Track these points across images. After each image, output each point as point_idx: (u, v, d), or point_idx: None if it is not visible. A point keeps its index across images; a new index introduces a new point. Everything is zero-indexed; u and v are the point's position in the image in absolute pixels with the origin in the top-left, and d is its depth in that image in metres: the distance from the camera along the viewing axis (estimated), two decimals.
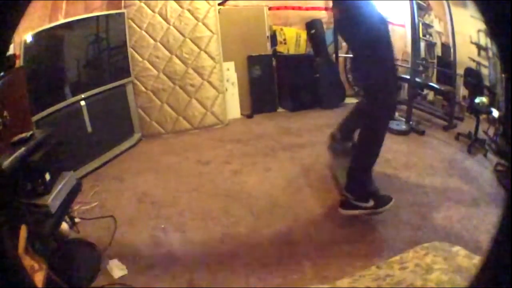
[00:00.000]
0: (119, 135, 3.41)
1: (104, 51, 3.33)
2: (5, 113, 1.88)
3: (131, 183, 2.80)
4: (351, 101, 4.50)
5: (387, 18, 2.29)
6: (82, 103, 2.98)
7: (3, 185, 1.43)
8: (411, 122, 3.61)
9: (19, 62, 2.46)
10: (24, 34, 2.53)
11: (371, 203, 2.04)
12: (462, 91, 3.65)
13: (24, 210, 1.52)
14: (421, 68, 4.13)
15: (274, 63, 4.29)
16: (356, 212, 2.07)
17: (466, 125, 3.44)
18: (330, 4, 4.45)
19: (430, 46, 4.15)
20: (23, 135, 1.72)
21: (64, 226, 2.00)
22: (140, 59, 3.58)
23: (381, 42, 2.05)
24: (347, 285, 1.26)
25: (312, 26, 4.38)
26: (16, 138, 1.70)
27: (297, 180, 2.73)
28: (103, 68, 3.32)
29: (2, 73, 1.99)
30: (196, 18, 3.67)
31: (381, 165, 2.90)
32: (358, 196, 2.06)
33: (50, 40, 2.80)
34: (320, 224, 2.21)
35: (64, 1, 2.94)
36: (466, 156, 3.02)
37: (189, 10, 3.65)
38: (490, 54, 3.22)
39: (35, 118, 2.50)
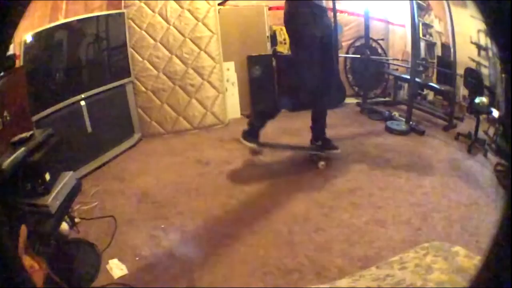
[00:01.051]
0: (119, 135, 3.40)
1: (104, 51, 3.33)
2: (5, 113, 1.88)
3: (131, 183, 2.80)
4: (351, 101, 4.51)
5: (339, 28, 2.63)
6: (82, 103, 2.97)
7: (3, 185, 1.43)
8: (411, 122, 3.61)
9: (19, 62, 2.46)
10: (24, 34, 2.53)
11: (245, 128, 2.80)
12: (462, 91, 3.65)
13: (24, 210, 1.52)
14: (421, 68, 4.13)
15: (274, 63, 4.29)
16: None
17: (466, 125, 3.44)
18: (330, 4, 4.46)
19: (430, 46, 4.16)
20: (23, 135, 1.72)
21: (64, 226, 2.00)
22: (140, 59, 3.58)
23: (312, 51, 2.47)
24: (347, 285, 1.26)
25: None
26: (16, 138, 1.70)
27: (297, 180, 2.73)
28: (103, 68, 3.32)
29: (2, 73, 1.99)
30: (196, 18, 3.67)
31: (381, 165, 2.91)
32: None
33: (50, 40, 2.80)
34: (320, 223, 2.21)
35: (64, 1, 2.94)
36: (466, 156, 3.02)
37: (189, 10, 3.65)
38: (490, 54, 3.22)
39: (35, 118, 2.49)
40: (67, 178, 1.81)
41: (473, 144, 3.09)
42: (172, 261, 1.96)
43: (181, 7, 3.64)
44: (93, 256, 2.00)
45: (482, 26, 3.05)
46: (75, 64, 3.04)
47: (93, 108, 3.05)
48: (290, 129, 3.73)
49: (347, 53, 4.65)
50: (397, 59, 4.60)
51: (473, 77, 3.36)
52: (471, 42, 3.41)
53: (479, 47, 3.36)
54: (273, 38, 4.33)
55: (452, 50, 3.63)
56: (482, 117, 3.15)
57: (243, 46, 4.09)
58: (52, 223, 1.61)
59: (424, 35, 4.14)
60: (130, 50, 3.50)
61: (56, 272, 1.52)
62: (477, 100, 3.16)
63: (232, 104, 4.02)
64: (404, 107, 3.98)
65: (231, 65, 3.97)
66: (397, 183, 2.63)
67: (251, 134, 2.84)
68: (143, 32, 3.56)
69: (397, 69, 4.52)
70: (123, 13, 3.42)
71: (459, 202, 2.36)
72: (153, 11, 3.58)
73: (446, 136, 3.43)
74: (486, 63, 3.30)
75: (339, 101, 4.45)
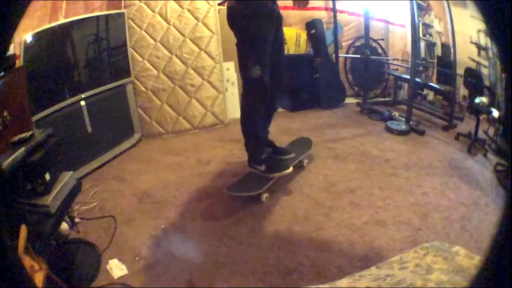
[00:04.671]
0: (119, 135, 3.41)
1: (104, 51, 3.33)
2: (5, 113, 1.88)
3: (131, 183, 2.80)
4: (351, 101, 4.51)
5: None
6: (82, 103, 2.98)
7: (3, 185, 1.43)
8: (411, 122, 3.61)
9: (19, 62, 2.46)
10: (24, 34, 2.53)
11: (263, 167, 2.48)
12: (462, 91, 3.65)
13: (24, 210, 1.52)
14: (421, 68, 4.13)
15: None
16: (254, 170, 2.53)
17: (466, 125, 3.44)
18: (330, 4, 4.46)
19: (430, 46, 4.16)
20: (23, 135, 1.72)
21: (64, 226, 2.00)
22: (140, 59, 3.58)
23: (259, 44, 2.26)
24: (347, 285, 1.26)
25: (312, 26, 4.38)
26: (16, 138, 1.70)
27: (297, 180, 2.73)
28: (103, 68, 3.32)
29: (2, 73, 1.99)
30: (196, 18, 3.67)
31: (381, 165, 2.91)
32: (253, 160, 2.52)
33: (50, 40, 2.80)
34: (320, 223, 2.21)
35: (64, 1, 2.94)
36: (466, 156, 3.02)
37: (189, 10, 3.65)
38: (490, 54, 3.22)
39: (35, 118, 2.50)
40: (67, 178, 1.81)
41: (473, 144, 3.09)
42: (172, 261, 1.96)
43: (181, 7, 3.64)
44: (93, 256, 2.00)
45: (482, 26, 3.05)
46: (75, 64, 3.04)
47: (93, 108, 3.05)
48: (291, 129, 3.74)
49: (347, 53, 4.66)
50: (397, 59, 4.60)
51: (473, 77, 3.36)
52: (471, 42, 3.41)
53: (479, 47, 3.36)
54: None
55: (452, 50, 3.63)
56: (482, 117, 3.15)
57: None
58: (52, 223, 1.60)
59: (424, 35, 4.14)
60: (130, 50, 3.50)
61: (56, 272, 1.52)
62: (477, 100, 3.16)
63: (232, 104, 4.02)
64: (404, 107, 3.98)
65: (231, 65, 3.97)
66: (397, 183, 2.63)
67: None
68: (143, 32, 3.56)
69: (397, 69, 4.52)
70: (123, 13, 3.42)
71: (459, 202, 2.36)
72: (153, 11, 3.58)
73: (446, 136, 3.44)
74: (486, 63, 3.30)
75: (339, 101, 4.45)
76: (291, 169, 2.49)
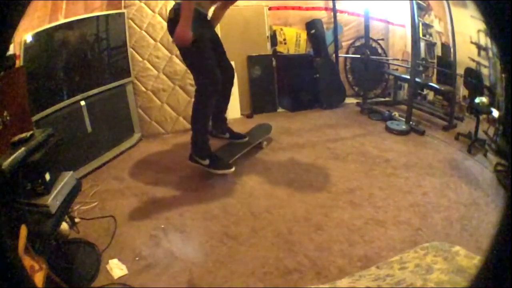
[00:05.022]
0: (119, 135, 3.40)
1: (104, 51, 3.33)
2: (5, 113, 1.88)
3: (131, 183, 2.80)
4: (351, 101, 4.51)
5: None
6: (82, 103, 2.97)
7: (3, 185, 1.43)
8: (411, 122, 3.61)
9: (19, 62, 2.46)
10: (24, 34, 2.52)
11: (206, 162, 2.69)
12: (462, 91, 3.66)
13: (24, 210, 1.52)
14: (421, 68, 4.13)
15: (274, 63, 4.30)
16: (196, 164, 2.73)
17: (466, 125, 3.44)
18: (330, 4, 4.46)
19: (430, 46, 4.16)
20: (23, 135, 1.72)
21: (64, 226, 2.00)
22: (140, 59, 3.58)
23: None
24: (347, 285, 1.26)
25: (312, 26, 4.38)
26: (16, 138, 1.70)
27: (297, 180, 2.73)
28: (103, 68, 3.32)
29: (2, 73, 1.99)
30: None
31: (381, 165, 2.91)
32: (197, 154, 2.70)
33: (50, 40, 2.80)
34: (320, 223, 2.22)
35: (64, 1, 2.94)
36: (466, 156, 3.02)
37: None
38: (490, 54, 3.22)
39: (35, 118, 2.49)
40: (67, 178, 1.81)
41: (473, 144, 3.09)
42: (172, 261, 1.96)
43: None
44: (93, 256, 2.00)
45: (482, 26, 3.05)
46: (75, 64, 3.04)
47: (93, 108, 3.05)
48: (291, 129, 3.74)
49: (347, 53, 4.66)
50: (397, 59, 4.61)
51: (473, 77, 3.36)
52: (471, 42, 3.41)
53: (479, 47, 3.36)
54: (273, 38, 4.33)
55: (452, 50, 3.64)
56: (482, 117, 3.15)
57: (243, 46, 4.09)
58: (52, 223, 1.60)
59: (424, 35, 4.15)
60: (130, 50, 3.50)
61: (56, 272, 1.52)
62: (477, 100, 3.16)
63: (231, 104, 4.01)
64: (404, 107, 3.99)
65: None
66: (397, 183, 2.63)
67: None
68: (143, 32, 3.56)
69: (397, 69, 4.52)
70: (123, 13, 3.42)
71: (459, 202, 2.36)
72: (153, 11, 3.58)
73: (446, 136, 3.44)
74: (486, 63, 3.30)
75: (339, 101, 4.45)
76: (233, 169, 2.70)
